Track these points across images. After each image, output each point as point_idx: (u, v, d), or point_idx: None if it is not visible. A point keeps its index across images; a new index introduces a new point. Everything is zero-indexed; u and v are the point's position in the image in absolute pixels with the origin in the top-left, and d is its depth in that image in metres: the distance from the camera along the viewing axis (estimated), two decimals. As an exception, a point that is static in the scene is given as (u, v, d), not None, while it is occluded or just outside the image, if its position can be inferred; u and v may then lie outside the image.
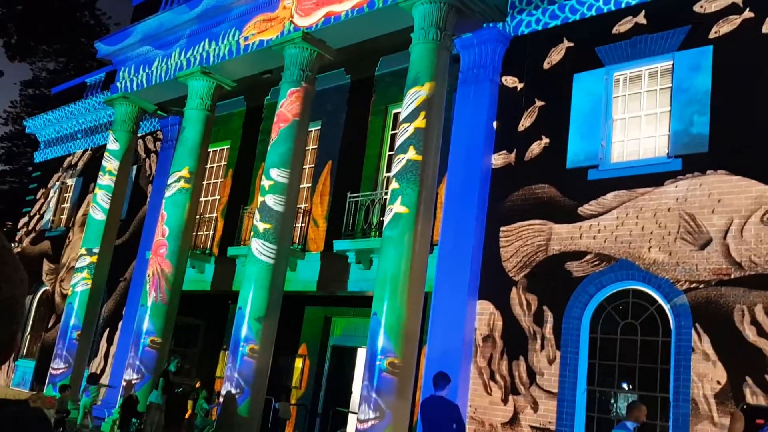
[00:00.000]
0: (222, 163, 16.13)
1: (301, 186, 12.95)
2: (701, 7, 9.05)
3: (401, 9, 10.62)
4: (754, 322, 7.71)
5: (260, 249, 11.46)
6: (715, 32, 8.86)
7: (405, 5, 10.49)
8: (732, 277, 7.99)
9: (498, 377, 9.63)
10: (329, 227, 12.88)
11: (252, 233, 11.76)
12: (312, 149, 13.87)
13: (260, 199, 11.82)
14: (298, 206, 12.80)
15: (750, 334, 7.71)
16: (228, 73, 14.20)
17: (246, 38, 13.30)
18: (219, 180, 16.03)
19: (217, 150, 16.24)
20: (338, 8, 11.63)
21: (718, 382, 7.81)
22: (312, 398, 13.32)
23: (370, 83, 13.25)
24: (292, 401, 13.46)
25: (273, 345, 11.39)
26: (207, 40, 14.16)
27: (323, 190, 13.39)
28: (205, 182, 15.48)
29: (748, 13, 8.63)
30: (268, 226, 11.52)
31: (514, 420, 9.29)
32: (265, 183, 11.81)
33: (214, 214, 15.63)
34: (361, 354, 12.06)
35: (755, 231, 7.94)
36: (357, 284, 11.90)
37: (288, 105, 12.07)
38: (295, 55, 12.27)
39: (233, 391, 10.93)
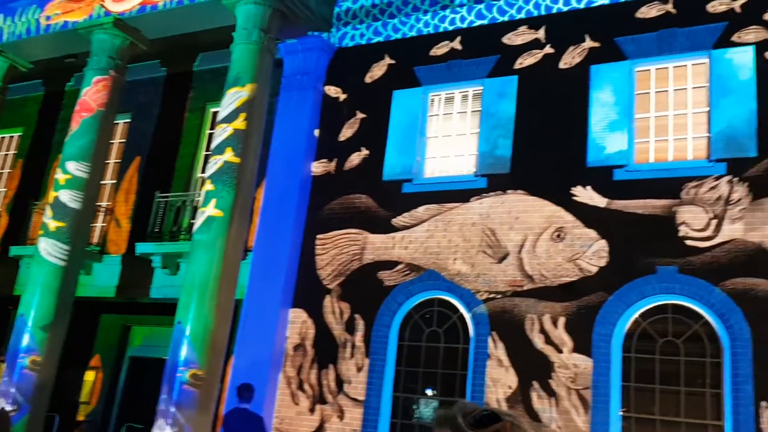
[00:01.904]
0: (11, 152, 14.46)
1: (104, 182, 12.03)
2: (509, 39, 9.82)
3: (224, 6, 10.31)
4: (542, 330, 8.42)
5: (49, 249, 10.41)
6: (520, 63, 9.65)
7: (228, 3, 10.20)
8: (525, 288, 8.68)
9: (306, 387, 9.58)
10: (133, 228, 12.04)
11: (41, 231, 10.65)
12: (118, 143, 12.95)
13: (54, 194, 10.76)
14: (98, 204, 11.86)
15: (538, 341, 8.41)
16: (25, 54, 12.80)
17: (48, 18, 12.11)
18: (6, 171, 14.36)
19: (5, 137, 14.57)
20: (155, -3, 11.02)
21: (510, 387, 8.40)
22: (103, 414, 12.29)
23: (188, 78, 12.68)
24: (80, 417, 12.33)
25: (59, 356, 10.37)
26: (2, 16, 12.69)
27: (129, 188, 12.51)
28: (-13, 173, 13.80)
29: (548, 49, 9.52)
30: (60, 224, 10.50)
31: (319, 429, 9.29)
32: (61, 177, 10.78)
33: (-3, 209, 13.95)
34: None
35: (546, 247, 8.70)
36: (161, 291, 11.25)
37: (93, 93, 11.16)
38: (104, 41, 11.40)
39: (8, 408, 9.74)
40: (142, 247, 11.24)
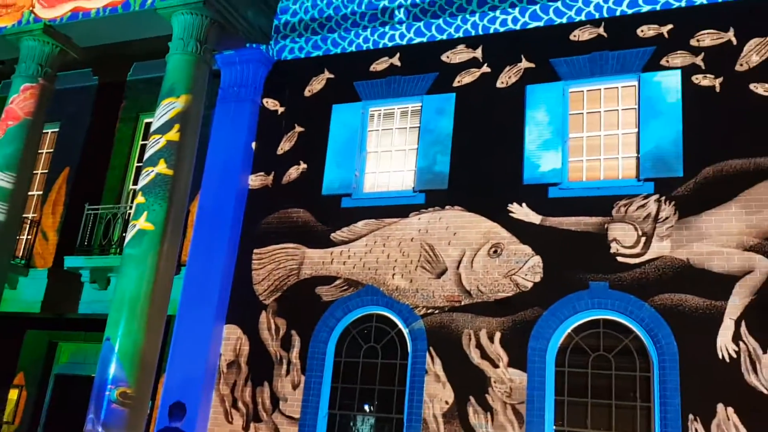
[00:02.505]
0: (-71, 161, 13.76)
1: (30, 193, 11.60)
2: (447, 57, 9.93)
3: (160, 16, 10.10)
4: (479, 345, 8.48)
5: (-29, 263, 9.95)
6: (458, 81, 9.77)
7: (164, 13, 10.00)
8: (462, 304, 8.73)
9: (240, 404, 9.38)
10: (61, 241, 11.62)
11: (-38, 244, 10.15)
12: (46, 153, 12.52)
13: (-23, 205, 10.30)
14: (25, 216, 11.41)
15: (475, 356, 8.46)
16: (-53, 59, 12.26)
17: (-27, 21, 11.61)
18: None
19: None
20: (88, 4, 10.71)
21: (446, 402, 8.41)
22: (27, 434, 11.75)
23: (120, 88, 12.33)
24: (3, 438, 11.77)
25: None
26: None
27: (57, 200, 12.07)
28: None
29: (486, 68, 9.66)
30: (-17, 237, 10.06)
31: (254, 448, 9.10)
32: (-15, 187, 10.34)
33: None
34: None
35: (483, 263, 8.78)
36: (90, 306, 10.88)
37: (20, 101, 10.77)
38: (33, 48, 11.04)
39: None
40: (70, 261, 10.88)
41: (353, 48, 10.56)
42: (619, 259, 8.19)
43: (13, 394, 12.00)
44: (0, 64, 12.25)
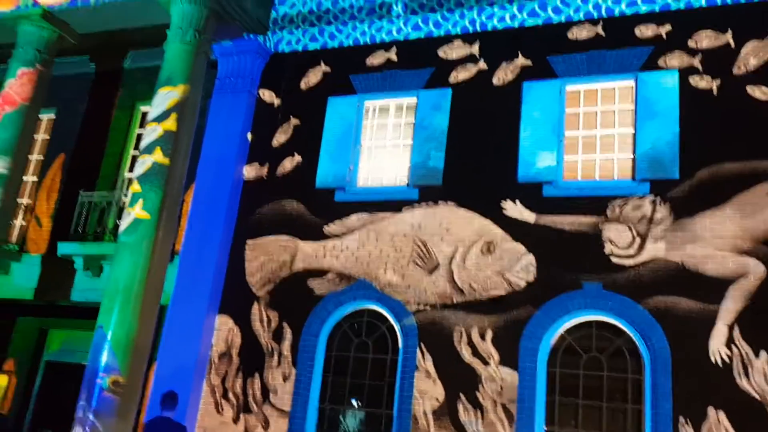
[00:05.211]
0: (-76, 145, 13.71)
1: (25, 179, 11.60)
2: (444, 52, 9.89)
3: (158, 4, 10.09)
4: (470, 343, 8.46)
5: (-34, 248, 9.94)
6: (455, 77, 9.73)
7: (163, 1, 9.99)
8: (454, 301, 8.71)
9: (231, 395, 9.37)
10: (55, 228, 11.59)
11: (-43, 229, 10.14)
12: (42, 139, 12.49)
13: (-28, 190, 10.30)
14: (19, 201, 11.39)
15: (466, 354, 8.44)
16: (-56, 43, 12.21)
17: (-28, 5, 11.57)
18: None
19: None
20: (88, -9, 10.69)
21: (437, 399, 8.40)
22: (16, 420, 11.73)
23: (117, 76, 12.30)
24: (-7, 424, 11.76)
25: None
26: None
27: (51, 186, 12.04)
28: None
29: (482, 65, 9.63)
30: (-22, 222, 10.04)
31: (243, 439, 9.09)
32: (-20, 172, 10.35)
33: None
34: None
35: (476, 260, 8.76)
36: (83, 294, 10.85)
37: (17, 87, 10.78)
38: (31, 33, 11.04)
39: None
40: (63, 248, 10.83)
41: (350, 41, 10.52)
42: (613, 259, 8.16)
43: (2, 380, 11.99)
44: None
